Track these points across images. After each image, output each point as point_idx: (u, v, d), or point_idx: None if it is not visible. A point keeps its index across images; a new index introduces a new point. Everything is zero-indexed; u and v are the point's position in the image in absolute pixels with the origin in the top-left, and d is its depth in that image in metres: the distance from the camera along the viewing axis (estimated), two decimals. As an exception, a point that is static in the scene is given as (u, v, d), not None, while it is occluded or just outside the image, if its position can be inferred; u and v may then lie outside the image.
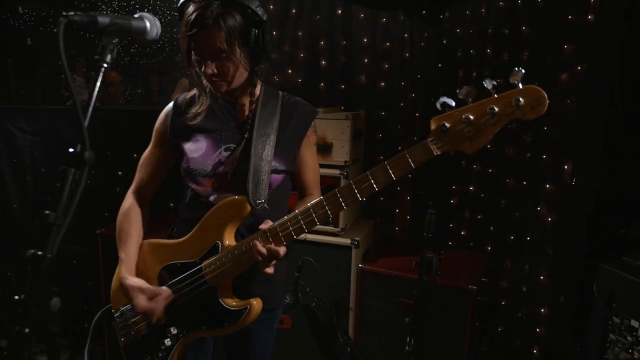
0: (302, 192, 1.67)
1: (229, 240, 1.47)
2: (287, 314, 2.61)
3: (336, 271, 2.57)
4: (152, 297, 1.49)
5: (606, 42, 2.40)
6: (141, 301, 1.48)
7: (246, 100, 1.57)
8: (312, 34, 3.38)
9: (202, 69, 1.43)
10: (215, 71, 1.42)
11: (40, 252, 0.83)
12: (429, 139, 1.19)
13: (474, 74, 3.05)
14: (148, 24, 1.07)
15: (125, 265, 1.54)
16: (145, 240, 1.62)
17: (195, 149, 1.53)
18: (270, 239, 1.38)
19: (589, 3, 2.37)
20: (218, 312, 1.48)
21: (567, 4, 2.49)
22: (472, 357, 2.37)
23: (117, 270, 1.60)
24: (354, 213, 2.83)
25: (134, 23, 1.04)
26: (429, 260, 1.85)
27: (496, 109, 1.11)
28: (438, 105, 1.19)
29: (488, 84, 1.12)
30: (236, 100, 1.57)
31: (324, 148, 2.55)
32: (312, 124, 1.60)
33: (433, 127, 1.19)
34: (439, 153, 1.19)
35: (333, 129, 2.54)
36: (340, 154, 2.55)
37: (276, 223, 1.40)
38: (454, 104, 1.17)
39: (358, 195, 1.28)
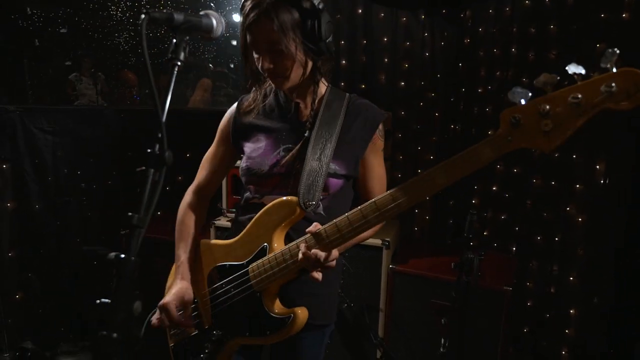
0: (365, 201, 1.58)
1: (278, 243, 1.39)
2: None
3: (367, 272, 2.55)
4: (181, 309, 1.45)
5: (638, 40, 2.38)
6: (172, 312, 1.42)
7: (309, 99, 1.49)
8: (333, 33, 3.35)
9: (260, 65, 1.37)
10: (271, 66, 1.35)
11: (123, 255, 0.81)
12: (500, 134, 1.03)
13: (498, 73, 3.03)
14: (215, 22, 1.06)
15: (182, 268, 1.51)
16: (201, 240, 1.59)
17: (255, 148, 1.49)
18: (317, 243, 1.27)
19: (624, 1, 2.35)
20: (261, 319, 1.40)
21: (599, 2, 2.47)
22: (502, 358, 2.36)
23: (172, 269, 1.58)
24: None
25: (204, 20, 1.02)
26: (469, 261, 1.83)
27: (580, 96, 0.91)
28: (510, 97, 1.00)
29: (573, 69, 0.92)
30: (300, 99, 1.50)
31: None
32: (380, 127, 1.49)
33: (503, 122, 1.01)
34: (509, 150, 1.03)
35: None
36: (372, 154, 2.52)
37: (325, 226, 1.28)
38: (530, 94, 0.99)
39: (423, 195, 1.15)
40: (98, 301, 0.83)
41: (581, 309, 2.61)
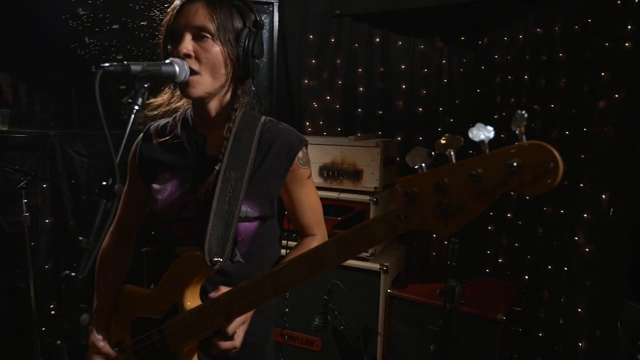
0: (301, 234, 1.44)
1: (191, 300, 1.24)
2: (316, 336, 2.66)
3: (365, 296, 2.60)
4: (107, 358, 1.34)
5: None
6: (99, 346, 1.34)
7: (220, 130, 1.30)
8: (350, 62, 3.48)
9: (177, 50, 1.18)
10: (191, 53, 1.18)
11: (73, 273, 0.93)
12: (393, 210, 0.85)
13: (512, 100, 3.04)
14: (177, 68, 1.17)
15: (96, 315, 1.39)
16: (125, 286, 1.45)
17: (161, 189, 1.32)
18: (220, 311, 1.14)
19: (626, 30, 2.33)
20: None
21: (603, 31, 2.46)
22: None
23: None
24: (385, 238, 2.85)
25: (164, 68, 1.13)
26: (452, 289, 1.86)
27: (480, 171, 0.73)
28: (409, 161, 0.82)
29: (476, 134, 0.73)
30: (207, 130, 1.33)
31: (354, 174, 2.61)
32: (299, 155, 1.31)
33: (396, 194, 0.84)
34: (406, 230, 0.85)
35: (363, 156, 2.60)
36: (371, 180, 2.60)
37: (225, 292, 1.16)
38: (433, 155, 0.80)
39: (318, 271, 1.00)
40: (52, 312, 0.96)
41: (589, 342, 2.53)
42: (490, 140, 0.75)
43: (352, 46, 3.47)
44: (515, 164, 0.69)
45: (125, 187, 1.47)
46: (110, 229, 1.52)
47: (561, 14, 2.73)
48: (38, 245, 3.17)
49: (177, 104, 1.40)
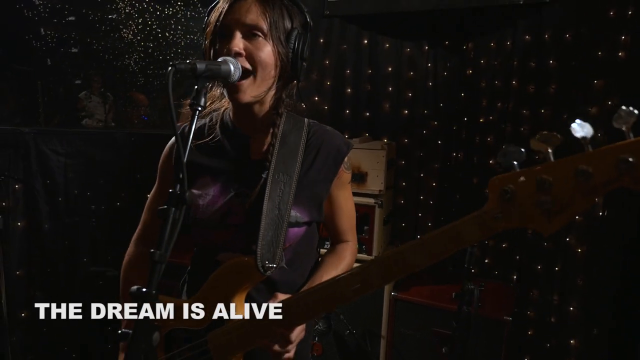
0: (335, 239, 1.42)
1: (237, 309, 1.21)
2: (316, 341, 2.63)
3: (369, 299, 2.59)
4: None
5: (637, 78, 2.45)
6: None
7: (267, 133, 1.27)
8: (339, 63, 3.47)
9: (227, 48, 1.14)
10: (243, 52, 1.14)
11: (144, 289, 0.86)
12: (488, 209, 0.83)
13: (499, 104, 3.11)
14: (232, 67, 1.12)
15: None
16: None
17: (202, 194, 1.26)
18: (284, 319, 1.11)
19: (620, 40, 2.43)
20: None
21: (596, 40, 2.56)
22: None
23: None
24: (385, 239, 2.86)
25: (222, 67, 1.09)
26: (470, 292, 1.88)
27: (590, 170, 0.72)
28: (501, 158, 0.80)
29: (578, 131, 0.73)
30: (251, 132, 1.29)
31: (359, 177, 2.60)
32: (345, 160, 1.30)
33: (492, 192, 0.81)
34: (499, 230, 0.83)
35: (369, 159, 2.59)
36: (375, 183, 2.59)
37: (287, 299, 1.12)
38: (523, 152, 0.78)
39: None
40: (120, 331, 0.88)
41: (582, 340, 2.63)
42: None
43: (340, 47, 3.46)
44: (630, 159, 0.68)
45: (154, 192, 1.42)
46: (136, 234, 1.46)
47: (551, 22, 2.82)
48: (9, 250, 2.96)
49: (217, 105, 1.35)
